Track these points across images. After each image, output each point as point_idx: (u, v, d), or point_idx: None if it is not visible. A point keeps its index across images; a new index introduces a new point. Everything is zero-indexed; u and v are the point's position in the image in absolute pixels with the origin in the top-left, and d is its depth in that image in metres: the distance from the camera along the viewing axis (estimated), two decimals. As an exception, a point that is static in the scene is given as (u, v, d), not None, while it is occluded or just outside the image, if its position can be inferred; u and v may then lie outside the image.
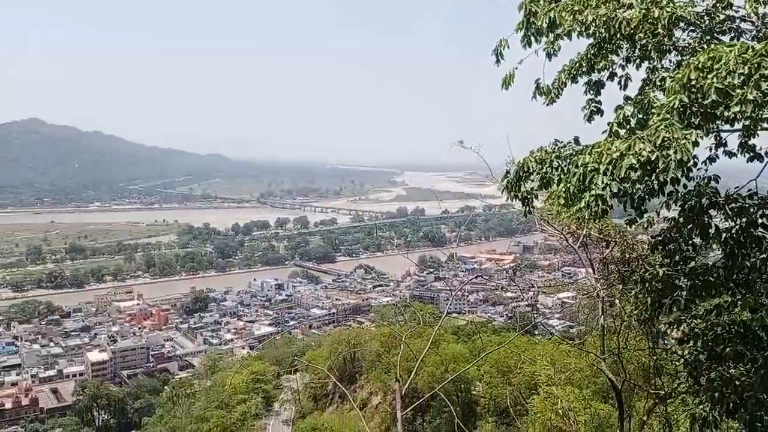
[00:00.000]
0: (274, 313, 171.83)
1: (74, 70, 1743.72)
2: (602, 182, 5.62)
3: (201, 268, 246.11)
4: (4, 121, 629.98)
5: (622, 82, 7.63)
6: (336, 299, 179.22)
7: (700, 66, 5.61)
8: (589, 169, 5.76)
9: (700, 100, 5.64)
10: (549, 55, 7.31)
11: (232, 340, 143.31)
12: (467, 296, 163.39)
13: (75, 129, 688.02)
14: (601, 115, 7.52)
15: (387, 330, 49.59)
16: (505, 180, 6.95)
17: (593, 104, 7.59)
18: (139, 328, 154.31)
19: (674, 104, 5.61)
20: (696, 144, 5.50)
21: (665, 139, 5.37)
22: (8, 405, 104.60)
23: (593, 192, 5.70)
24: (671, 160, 5.31)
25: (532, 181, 6.74)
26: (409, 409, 9.07)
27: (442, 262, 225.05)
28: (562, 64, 7.60)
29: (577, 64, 7.39)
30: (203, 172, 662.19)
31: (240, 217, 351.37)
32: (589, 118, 7.55)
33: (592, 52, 7.24)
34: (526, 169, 6.70)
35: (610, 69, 7.53)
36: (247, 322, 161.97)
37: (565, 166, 6.42)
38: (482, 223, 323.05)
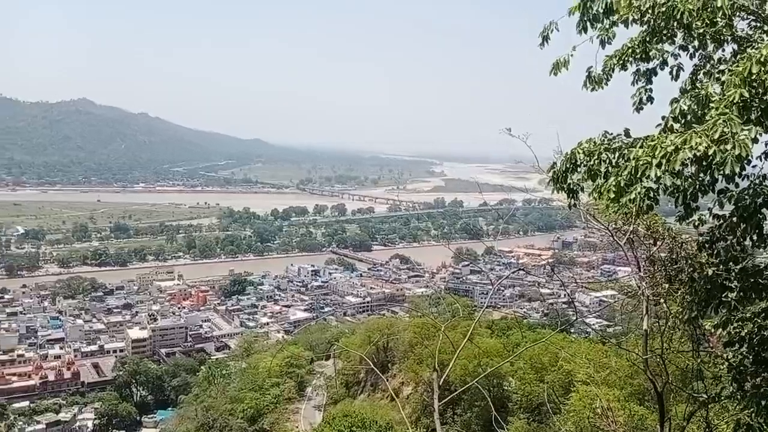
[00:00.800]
0: (310, 298, 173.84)
1: (122, 51, 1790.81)
2: (655, 175, 5.47)
3: (240, 252, 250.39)
4: (55, 101, 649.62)
5: (674, 72, 7.36)
6: (371, 288, 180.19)
7: (762, 59, 5.38)
8: (641, 162, 5.61)
9: (761, 95, 5.44)
10: (603, 43, 7.07)
11: (267, 323, 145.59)
12: (503, 291, 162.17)
13: (122, 110, 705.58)
14: (651, 102, 7.29)
15: (421, 321, 49.63)
16: (552, 171, 6.81)
17: (645, 92, 7.33)
18: (179, 308, 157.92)
19: (734, 99, 5.41)
20: (755, 140, 5.32)
21: (723, 134, 5.19)
22: (51, 377, 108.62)
23: (644, 185, 5.57)
24: (729, 155, 5.13)
25: (579, 173, 6.60)
26: (444, 401, 9.02)
27: (479, 255, 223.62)
28: (598, 54, 7.36)
29: (629, 50, 7.15)
30: (245, 156, 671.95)
31: (279, 202, 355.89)
32: (638, 108, 7.32)
33: (647, 39, 7.00)
34: (573, 161, 6.55)
35: (662, 57, 7.28)
36: (283, 306, 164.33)
37: (614, 159, 6.26)
38: (522, 217, 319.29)
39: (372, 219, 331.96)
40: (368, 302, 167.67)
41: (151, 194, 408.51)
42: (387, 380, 47.80)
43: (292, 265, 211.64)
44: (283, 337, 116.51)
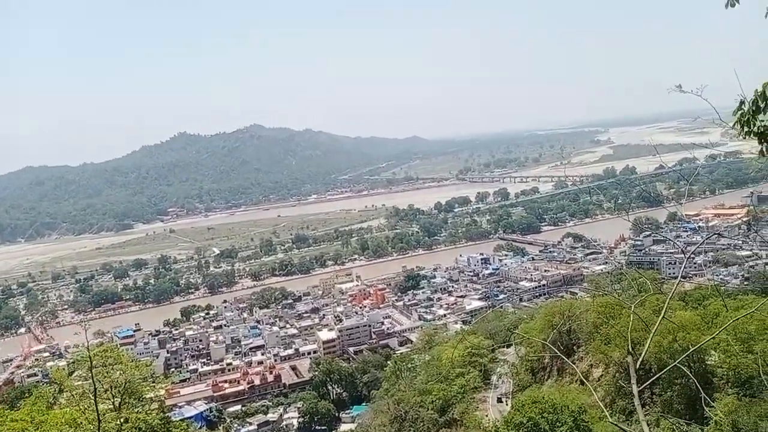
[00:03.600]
0: (483, 287, 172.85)
1: (285, 75, 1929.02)
2: None
3: (409, 248, 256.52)
4: (231, 130, 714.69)
5: None
6: (545, 270, 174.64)
7: None
8: None
9: None
10: None
11: (445, 315, 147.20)
12: (694, 258, 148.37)
13: (288, 129, 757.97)
14: None
15: (604, 300, 47.04)
16: (738, 113, 5.84)
17: None
18: (360, 307, 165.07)
19: None
20: None
21: None
22: (257, 381, 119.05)
23: None
24: None
25: (771, 112, 5.58)
26: (645, 385, 8.26)
27: (661, 223, 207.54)
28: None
29: None
30: (403, 155, 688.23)
31: (441, 195, 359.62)
32: None
33: None
34: (765, 99, 5.55)
35: None
36: (457, 297, 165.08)
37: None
38: (705, 175, 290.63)
39: (537, 199, 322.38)
40: (544, 285, 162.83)
41: (323, 204, 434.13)
42: (573, 363, 45.88)
43: (461, 255, 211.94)
44: (461, 327, 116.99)
